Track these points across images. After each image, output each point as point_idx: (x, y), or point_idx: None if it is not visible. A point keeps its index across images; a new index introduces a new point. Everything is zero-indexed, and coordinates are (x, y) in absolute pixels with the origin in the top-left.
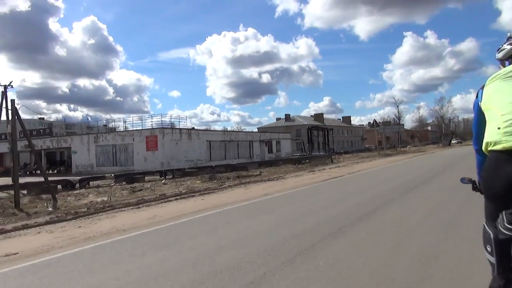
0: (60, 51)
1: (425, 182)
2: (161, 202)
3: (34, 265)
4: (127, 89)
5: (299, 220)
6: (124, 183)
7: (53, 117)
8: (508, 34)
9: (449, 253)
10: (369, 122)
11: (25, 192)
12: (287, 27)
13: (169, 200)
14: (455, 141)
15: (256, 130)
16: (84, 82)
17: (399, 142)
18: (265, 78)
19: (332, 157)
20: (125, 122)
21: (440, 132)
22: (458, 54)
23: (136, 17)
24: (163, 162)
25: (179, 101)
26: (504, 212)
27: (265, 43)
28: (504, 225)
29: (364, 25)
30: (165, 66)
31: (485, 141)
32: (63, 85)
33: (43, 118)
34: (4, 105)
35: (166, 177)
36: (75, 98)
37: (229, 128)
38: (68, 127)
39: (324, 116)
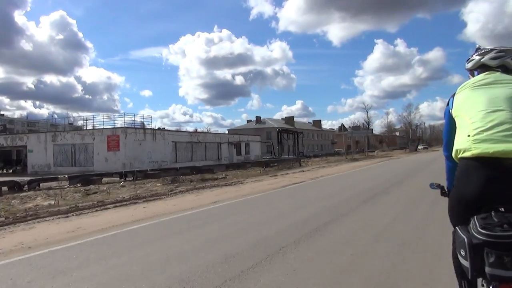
0: (26, 46)
1: (386, 191)
2: (97, 211)
3: None
4: (97, 87)
5: (238, 236)
6: (79, 185)
7: (17, 114)
8: (477, 46)
9: (408, 280)
10: (339, 126)
11: None
12: (262, 30)
13: (107, 208)
14: (421, 146)
15: (227, 131)
16: (51, 79)
17: (368, 147)
18: (239, 80)
19: (301, 160)
20: (86, 120)
21: (408, 138)
22: (425, 62)
23: (108, 13)
24: (125, 163)
25: (151, 101)
26: (475, 218)
27: (239, 45)
28: (477, 230)
29: (337, 31)
30: (137, 65)
31: (455, 148)
32: (29, 81)
33: (3, 114)
34: None
35: (126, 179)
36: (41, 94)
37: (200, 130)
38: (31, 125)
39: (296, 119)
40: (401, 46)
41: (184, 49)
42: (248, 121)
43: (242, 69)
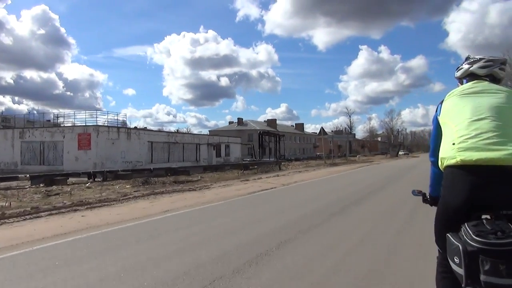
0: (5, 39)
1: (360, 200)
2: (25, 219)
3: None
4: (79, 84)
5: (170, 259)
6: (42, 185)
7: None
8: (467, 55)
9: None
10: (320, 130)
11: None
12: (248, 32)
13: (39, 216)
14: (402, 152)
15: (208, 132)
16: (31, 74)
17: (350, 151)
18: (224, 81)
19: (282, 163)
20: (57, 117)
21: (389, 143)
22: (408, 70)
23: (92, 10)
24: (96, 163)
25: (134, 100)
26: (466, 225)
27: (225, 46)
28: (471, 237)
29: (322, 36)
30: (121, 63)
31: (440, 156)
32: (7, 76)
33: None
34: None
35: (95, 179)
36: (20, 90)
37: (183, 130)
38: (6, 120)
39: (279, 122)
40: (385, 53)
41: (169, 48)
42: (230, 122)
43: (227, 70)
